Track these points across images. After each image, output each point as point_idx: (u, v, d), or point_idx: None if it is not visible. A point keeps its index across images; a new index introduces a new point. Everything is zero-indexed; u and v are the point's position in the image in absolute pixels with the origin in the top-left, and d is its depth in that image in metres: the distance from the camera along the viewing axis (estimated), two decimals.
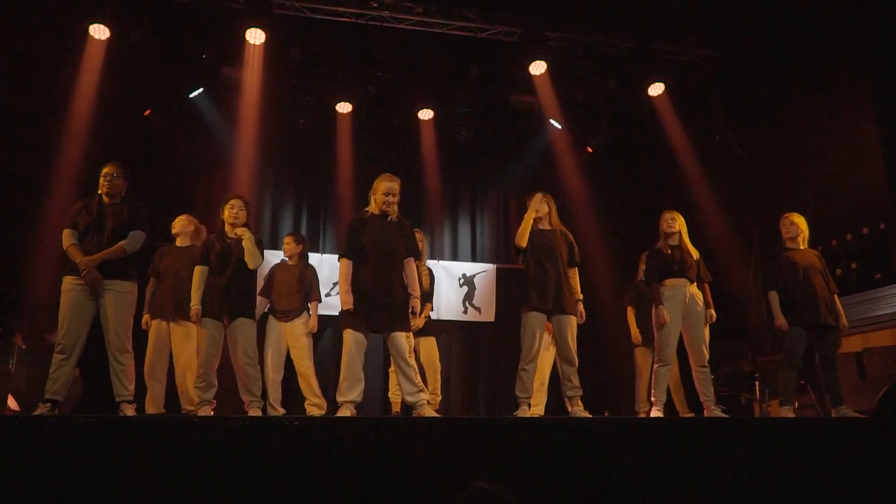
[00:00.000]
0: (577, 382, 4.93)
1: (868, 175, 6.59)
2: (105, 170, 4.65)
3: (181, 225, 5.71)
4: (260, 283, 5.81)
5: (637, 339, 6.57)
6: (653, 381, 5.30)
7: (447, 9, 7.57)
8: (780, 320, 5.14)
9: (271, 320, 5.96)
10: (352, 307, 4.44)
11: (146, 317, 5.60)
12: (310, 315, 5.99)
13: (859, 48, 6.73)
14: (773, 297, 5.21)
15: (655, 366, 5.27)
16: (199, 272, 4.98)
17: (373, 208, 4.65)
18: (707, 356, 5.23)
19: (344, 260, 4.57)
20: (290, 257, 6.13)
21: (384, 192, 4.58)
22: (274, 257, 8.26)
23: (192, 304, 4.92)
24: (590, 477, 3.62)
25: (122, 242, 4.56)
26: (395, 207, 4.63)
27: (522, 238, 5.00)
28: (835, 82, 7.01)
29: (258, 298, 5.80)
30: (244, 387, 5.00)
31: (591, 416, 4.91)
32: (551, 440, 3.72)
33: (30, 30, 6.93)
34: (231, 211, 5.07)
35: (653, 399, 5.25)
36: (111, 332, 4.52)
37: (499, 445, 3.62)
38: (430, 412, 4.43)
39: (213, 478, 3.26)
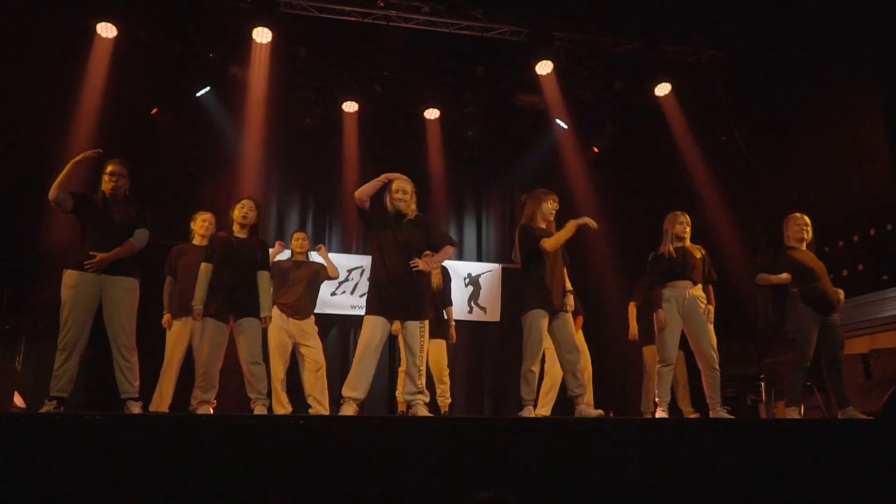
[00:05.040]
0: (581, 381, 4.92)
1: (875, 176, 6.57)
2: (109, 168, 4.59)
3: (205, 227, 5.71)
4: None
5: (634, 335, 6.59)
6: (656, 381, 5.29)
7: (454, 8, 7.57)
8: (785, 276, 5.12)
9: (280, 317, 5.89)
10: None
11: (167, 316, 5.62)
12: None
13: (867, 49, 6.70)
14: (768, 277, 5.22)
15: (657, 366, 5.25)
16: (205, 269, 4.97)
17: (389, 206, 4.84)
18: (716, 358, 5.17)
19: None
20: (300, 254, 6.12)
21: (394, 190, 4.76)
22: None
23: (194, 303, 4.92)
24: (594, 477, 3.62)
25: (131, 240, 4.53)
26: (412, 206, 4.78)
27: (555, 244, 4.93)
28: (842, 83, 6.98)
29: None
30: (250, 385, 5.01)
31: (601, 412, 4.92)
32: (556, 440, 3.72)
33: (37, 28, 6.95)
34: (241, 210, 5.08)
35: (657, 399, 5.24)
36: (116, 329, 4.48)
37: (503, 445, 3.62)
38: (424, 412, 4.56)
39: (218, 476, 3.27)
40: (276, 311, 5.87)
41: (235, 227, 5.09)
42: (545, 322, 4.91)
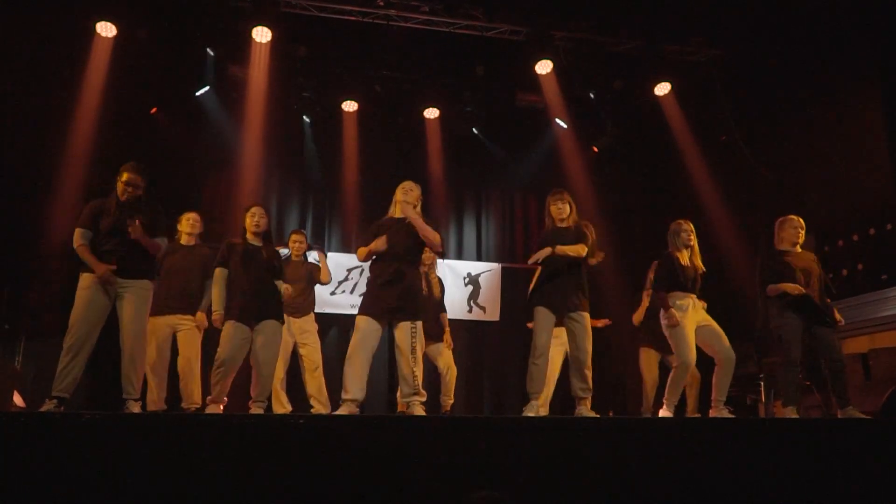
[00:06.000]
0: (589, 383, 4.91)
1: (874, 176, 6.56)
2: (125, 176, 4.54)
3: (191, 225, 5.70)
4: None
5: (637, 320, 6.52)
6: (670, 378, 5.18)
7: (453, 8, 7.58)
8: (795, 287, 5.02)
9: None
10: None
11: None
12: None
13: (867, 49, 6.70)
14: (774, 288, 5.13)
15: (674, 365, 5.21)
16: (220, 274, 5.00)
17: (391, 212, 4.91)
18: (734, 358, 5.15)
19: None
20: (298, 255, 6.13)
21: (408, 188, 4.87)
22: None
23: (214, 309, 4.94)
24: (594, 477, 3.62)
25: (159, 241, 4.63)
26: (409, 209, 4.78)
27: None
28: (842, 82, 6.98)
29: None
30: (256, 385, 5.02)
31: (598, 416, 4.90)
32: (556, 440, 3.72)
33: (37, 27, 6.95)
34: (253, 219, 5.10)
35: (665, 398, 5.17)
36: (130, 331, 4.48)
37: (503, 445, 3.62)
38: (420, 412, 4.55)
39: (218, 476, 3.27)
40: None
41: (249, 236, 5.11)
42: (547, 318, 4.91)
